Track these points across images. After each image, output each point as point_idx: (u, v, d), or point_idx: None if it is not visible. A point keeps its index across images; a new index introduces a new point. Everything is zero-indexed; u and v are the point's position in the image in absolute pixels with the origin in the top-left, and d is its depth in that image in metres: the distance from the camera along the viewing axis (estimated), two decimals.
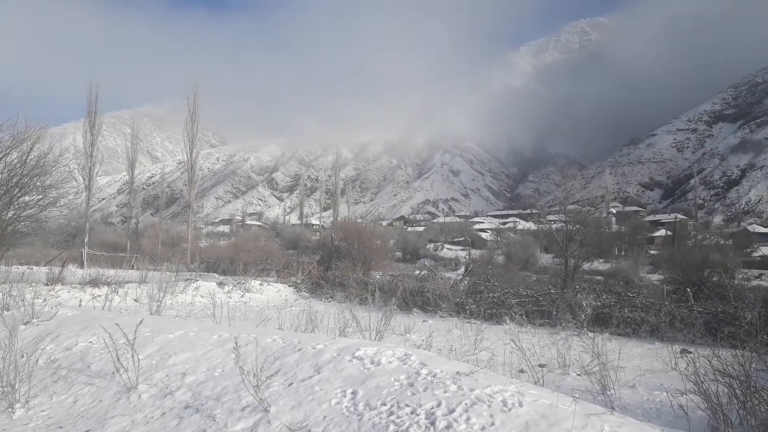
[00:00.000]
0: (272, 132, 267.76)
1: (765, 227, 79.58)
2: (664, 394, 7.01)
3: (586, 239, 28.77)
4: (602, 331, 13.09)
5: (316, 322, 10.49)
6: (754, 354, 6.44)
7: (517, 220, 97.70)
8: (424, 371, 5.92)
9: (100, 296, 14.98)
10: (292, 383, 5.84)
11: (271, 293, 21.33)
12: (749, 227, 77.43)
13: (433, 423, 4.68)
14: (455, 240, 72.79)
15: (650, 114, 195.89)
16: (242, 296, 19.61)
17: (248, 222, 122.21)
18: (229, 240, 61.06)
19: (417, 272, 25.00)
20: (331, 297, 20.94)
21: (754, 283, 27.86)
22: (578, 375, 8.28)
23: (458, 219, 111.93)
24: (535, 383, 7.17)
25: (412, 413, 4.89)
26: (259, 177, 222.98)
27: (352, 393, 5.46)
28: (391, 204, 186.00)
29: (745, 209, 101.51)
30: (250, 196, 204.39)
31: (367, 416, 4.93)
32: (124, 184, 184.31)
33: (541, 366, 8.43)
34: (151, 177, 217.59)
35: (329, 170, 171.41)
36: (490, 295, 16.87)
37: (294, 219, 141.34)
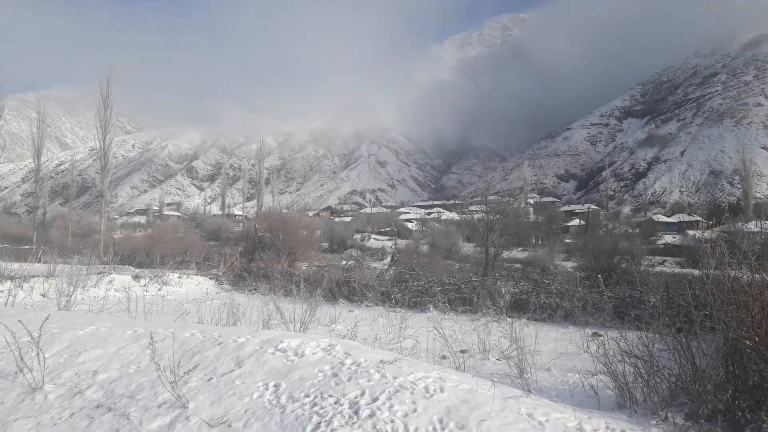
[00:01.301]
0: (193, 120, 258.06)
1: (668, 217, 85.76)
2: (577, 375, 7.37)
3: (505, 229, 29.80)
4: (520, 317, 13.61)
5: (239, 315, 10.24)
6: (656, 335, 6.86)
7: (442, 210, 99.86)
8: (348, 361, 5.91)
9: (2, 291, 13.89)
10: (211, 378, 5.65)
11: (190, 286, 20.62)
12: (654, 217, 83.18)
13: (356, 412, 4.67)
14: (382, 230, 73.36)
15: (567, 109, 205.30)
16: (159, 290, 18.85)
17: (166, 212, 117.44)
18: (145, 231, 58.41)
19: (344, 263, 24.97)
20: (254, 289, 20.53)
21: (658, 269, 29.84)
22: (497, 360, 8.57)
23: (385, 209, 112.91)
24: (457, 369, 7.35)
25: (336, 403, 4.87)
26: (178, 165, 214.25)
27: (274, 386, 5.36)
28: (318, 194, 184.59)
29: (651, 200, 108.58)
30: (168, 185, 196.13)
31: (290, 408, 4.86)
32: (29, 172, 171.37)
33: (462, 352, 8.64)
34: (60, 164, 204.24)
35: (253, 159, 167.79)
36: (415, 283, 17.13)
37: (215, 209, 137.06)
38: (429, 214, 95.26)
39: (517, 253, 39.64)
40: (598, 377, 6.55)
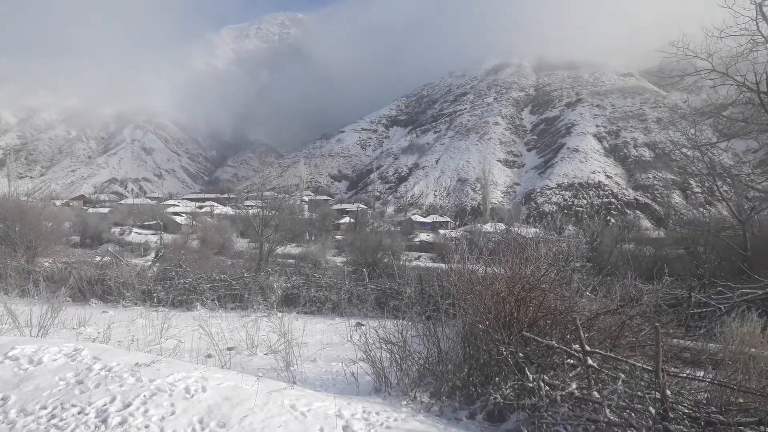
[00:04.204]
0: None
1: (424, 217, 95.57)
2: (340, 364, 7.74)
3: (280, 224, 29.99)
4: (291, 311, 13.85)
5: None
6: (410, 323, 7.56)
7: (215, 204, 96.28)
8: (97, 366, 5.38)
9: None
10: None
11: None
12: (413, 217, 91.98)
13: (104, 421, 4.27)
14: (146, 223, 67.76)
15: (341, 112, 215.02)
16: None
17: None
18: None
19: (98, 259, 22.45)
20: None
21: (414, 263, 33.00)
22: (265, 354, 8.57)
23: (150, 201, 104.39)
24: (223, 367, 7.17)
25: (80, 413, 4.39)
26: None
27: (2, 400, 4.59)
28: (69, 181, 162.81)
29: (411, 202, 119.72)
30: None
31: (21, 424, 4.22)
32: None
33: (229, 349, 8.44)
34: None
35: None
36: (182, 281, 16.18)
37: None
38: (201, 207, 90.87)
39: (291, 249, 40.09)
40: (359, 365, 6.96)
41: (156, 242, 46.49)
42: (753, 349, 6.44)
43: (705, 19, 21.38)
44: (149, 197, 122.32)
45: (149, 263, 22.16)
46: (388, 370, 6.45)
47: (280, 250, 31.72)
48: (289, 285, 15.77)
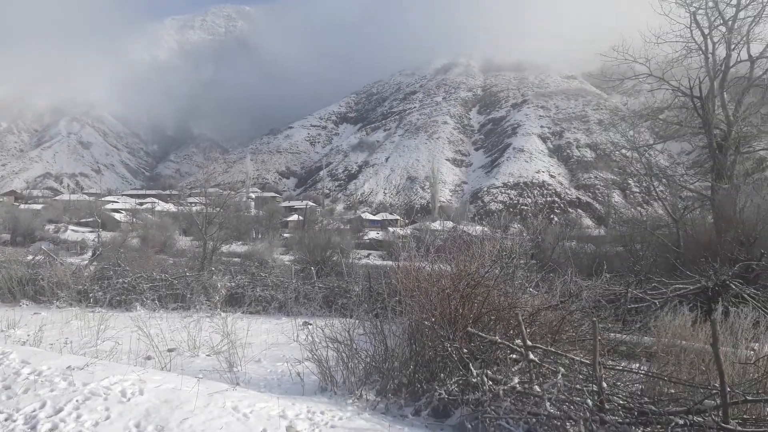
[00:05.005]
0: None
1: (373, 215, 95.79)
2: (286, 364, 7.62)
3: (225, 222, 29.38)
4: (235, 311, 13.57)
5: None
6: (357, 321, 7.52)
7: (157, 200, 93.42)
8: (26, 370, 5.13)
9: None
10: None
11: None
12: (362, 215, 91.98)
13: (34, 427, 4.08)
14: (83, 221, 65.07)
15: (290, 107, 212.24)
16: None
17: None
18: None
19: (30, 257, 21.37)
20: None
21: (363, 261, 33.05)
22: (208, 355, 8.35)
23: (88, 197, 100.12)
24: (162, 368, 6.96)
25: (6, 420, 4.19)
26: None
27: None
28: None
29: (360, 199, 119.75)
30: None
31: None
32: None
33: (170, 350, 8.19)
34: None
35: None
36: (120, 280, 15.60)
37: None
38: (142, 204, 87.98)
39: (237, 247, 39.35)
40: (305, 364, 6.87)
41: (93, 240, 44.64)
42: (684, 342, 6.73)
43: (645, 25, 22.45)
44: (86, 193, 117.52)
45: (86, 262, 21.26)
46: (335, 369, 6.40)
47: (225, 248, 31.08)
48: (233, 284, 15.47)
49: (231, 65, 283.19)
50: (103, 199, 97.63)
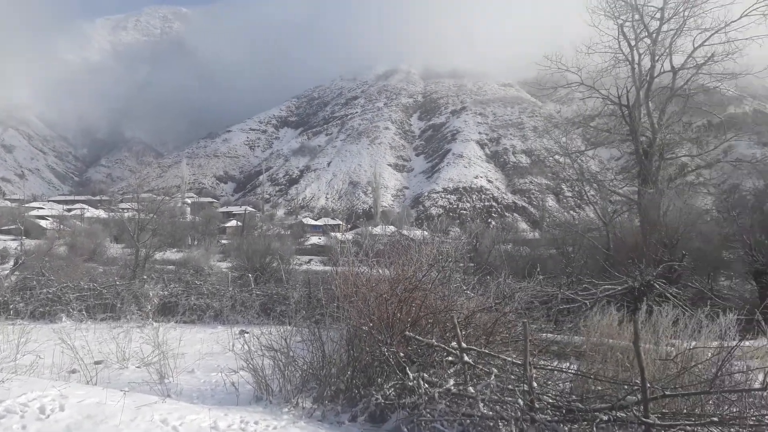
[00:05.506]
0: None
1: (315, 220, 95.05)
2: (220, 374, 7.42)
3: (159, 228, 28.39)
4: (169, 320, 13.13)
5: None
6: (295, 328, 7.42)
7: (86, 207, 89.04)
8: None
9: None
10: None
11: None
12: (304, 220, 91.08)
13: None
14: (5, 228, 61.33)
15: (228, 110, 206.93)
16: None
17: None
18: None
19: None
20: None
21: (304, 267, 32.68)
22: (138, 367, 8.03)
23: (10, 203, 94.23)
24: (88, 382, 6.62)
25: None
26: None
27: None
28: None
29: (302, 204, 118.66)
30: None
31: None
32: None
33: (97, 363, 7.83)
34: None
35: None
36: (44, 290, 14.79)
37: None
38: (70, 210, 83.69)
39: (172, 254, 38.07)
40: (241, 374, 6.71)
41: (16, 249, 42.08)
42: (611, 340, 7.02)
43: (577, 36, 23.45)
44: (9, 199, 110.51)
45: (6, 272, 20.02)
46: (271, 378, 6.29)
47: (159, 256, 30.04)
48: (167, 293, 14.97)
49: (167, 67, 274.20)
50: (27, 205, 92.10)
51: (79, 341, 8.40)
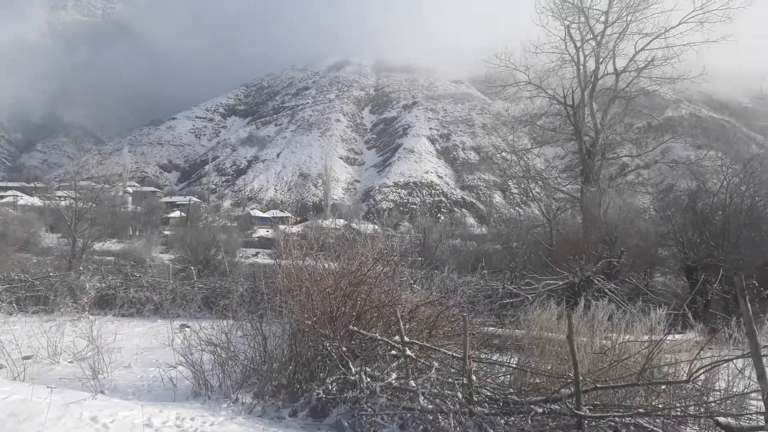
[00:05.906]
0: None
1: (263, 212, 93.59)
2: (158, 369, 7.21)
3: (98, 218, 27.32)
4: (106, 314, 12.67)
5: None
6: (238, 323, 7.28)
7: (19, 194, 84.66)
8: None
9: None
10: None
11: None
12: (251, 212, 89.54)
13: None
14: None
15: (174, 97, 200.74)
16: None
17: None
18: None
19: None
20: None
21: (251, 260, 32.08)
22: (70, 362, 7.72)
23: None
24: (15, 378, 6.31)
25: None
26: None
27: None
28: None
29: (250, 196, 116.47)
30: None
31: None
32: None
33: (26, 358, 7.45)
34: None
35: None
36: None
37: None
38: (1, 197, 79.43)
39: (112, 245, 36.72)
40: (179, 369, 6.55)
41: None
42: (550, 334, 7.22)
43: (526, 35, 23.90)
44: None
45: None
46: (210, 373, 6.16)
47: (97, 246, 28.93)
48: (104, 285, 14.41)
49: (109, 50, 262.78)
50: None
51: (7, 335, 8.01)
